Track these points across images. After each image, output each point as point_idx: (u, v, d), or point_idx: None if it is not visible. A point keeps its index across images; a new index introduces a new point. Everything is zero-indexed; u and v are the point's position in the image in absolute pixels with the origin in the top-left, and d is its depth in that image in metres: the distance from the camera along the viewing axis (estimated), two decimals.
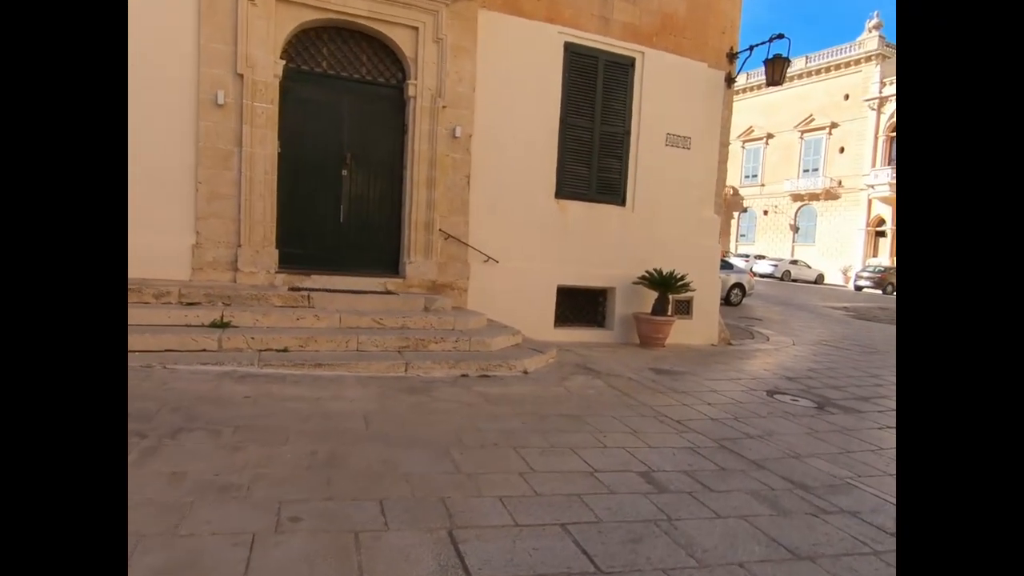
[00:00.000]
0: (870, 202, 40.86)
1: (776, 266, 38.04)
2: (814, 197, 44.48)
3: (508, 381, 6.44)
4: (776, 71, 10.14)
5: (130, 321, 5.75)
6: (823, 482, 4.36)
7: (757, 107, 46.49)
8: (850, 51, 42.73)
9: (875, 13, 42.51)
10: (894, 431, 5.87)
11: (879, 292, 34.01)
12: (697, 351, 9.79)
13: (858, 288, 35.79)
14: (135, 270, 6.05)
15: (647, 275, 9.64)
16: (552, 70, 9.17)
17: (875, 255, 40.97)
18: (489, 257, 8.78)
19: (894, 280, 33.79)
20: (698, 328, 10.57)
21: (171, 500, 3.05)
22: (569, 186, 9.50)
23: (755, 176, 48.77)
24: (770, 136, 47.31)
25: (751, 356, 10.05)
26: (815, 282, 38.89)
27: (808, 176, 44.78)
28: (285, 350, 6.21)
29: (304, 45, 7.95)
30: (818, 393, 7.42)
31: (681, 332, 10.10)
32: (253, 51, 7.31)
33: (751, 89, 45.28)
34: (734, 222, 49.77)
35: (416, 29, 8.15)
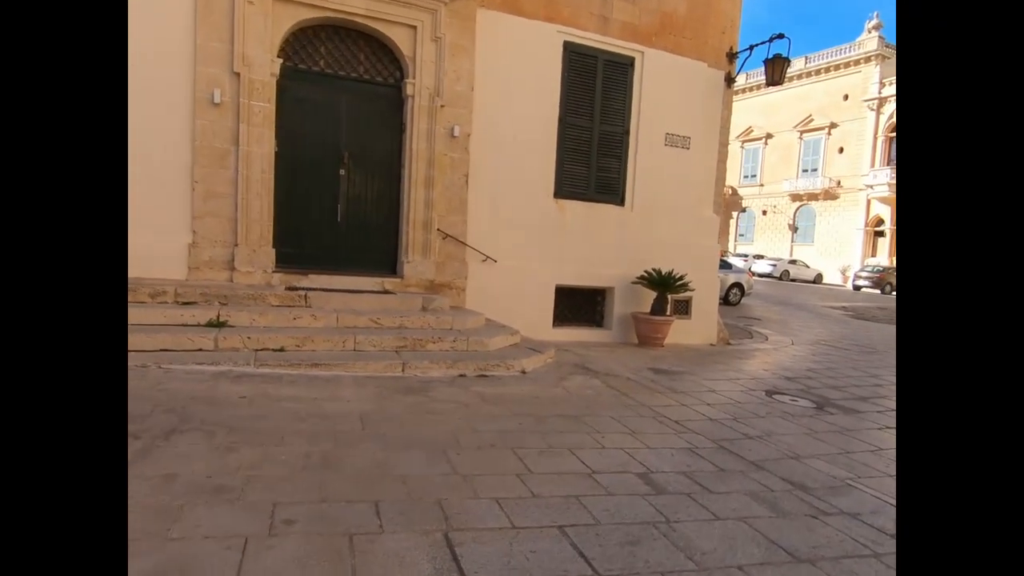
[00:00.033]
0: (869, 202, 40.91)
1: (775, 266, 38.12)
2: (813, 197, 44.52)
3: (506, 381, 6.40)
4: (776, 71, 10.11)
5: None
6: (823, 483, 4.32)
7: (756, 107, 46.52)
8: (850, 52, 42.77)
9: (875, 14, 42.55)
10: (894, 431, 5.84)
11: (877, 292, 34.02)
12: (696, 351, 9.76)
13: (856, 288, 35.80)
14: (131, 269, 6.00)
15: (646, 275, 9.61)
16: (551, 69, 9.14)
17: (873, 255, 41.00)
18: (487, 256, 8.74)
19: (892, 280, 33.87)
20: (697, 328, 10.54)
21: (162, 503, 3.01)
22: (568, 185, 9.47)
23: (754, 176, 48.79)
24: (769, 136, 47.33)
25: (750, 356, 10.02)
26: (813, 282, 38.95)
27: (807, 176, 44.81)
28: (282, 350, 6.17)
29: (301, 44, 7.90)
30: (817, 393, 7.38)
31: (680, 332, 10.07)
32: (250, 50, 7.27)
33: (750, 89, 45.31)
34: (733, 222, 49.77)
35: (414, 28, 8.12)
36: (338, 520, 3.02)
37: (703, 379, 7.55)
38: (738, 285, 19.73)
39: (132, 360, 5.35)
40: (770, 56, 10.04)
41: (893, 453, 5.13)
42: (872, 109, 40.97)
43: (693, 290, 10.01)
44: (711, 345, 10.56)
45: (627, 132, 9.79)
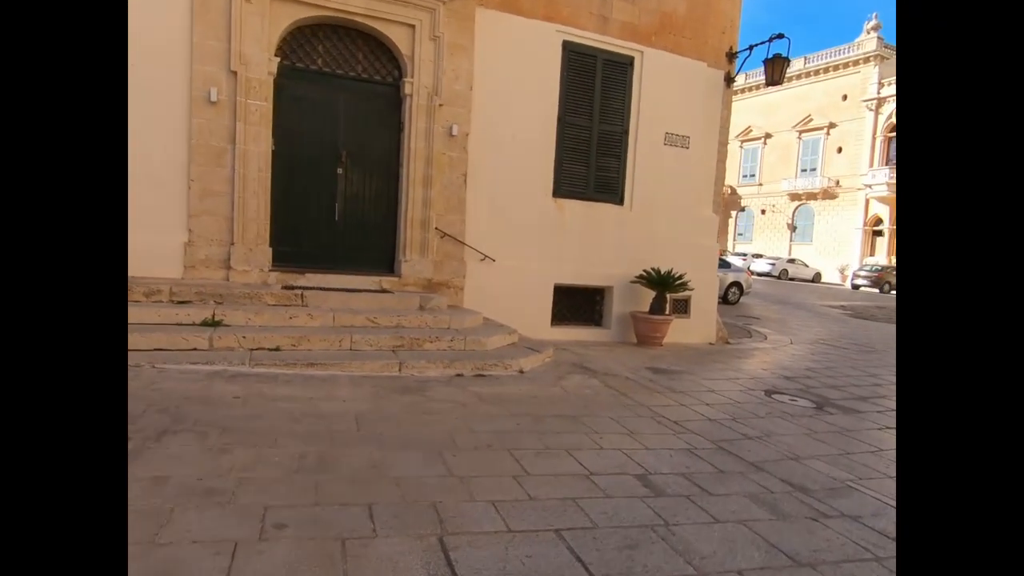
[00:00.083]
0: (867, 202, 40.95)
1: (773, 265, 38.19)
2: (812, 196, 44.53)
3: (504, 381, 6.36)
4: (776, 71, 10.07)
5: None
6: (823, 485, 4.28)
7: (755, 107, 46.54)
8: (848, 52, 42.78)
9: (874, 15, 42.59)
10: (894, 432, 5.80)
11: (876, 291, 34.02)
12: (695, 350, 9.72)
13: (855, 287, 35.83)
14: None
15: (645, 274, 9.57)
16: (550, 69, 9.09)
17: (872, 254, 41.02)
18: (486, 256, 8.70)
19: (891, 279, 33.89)
20: (696, 327, 10.50)
21: (152, 506, 2.95)
22: (567, 185, 9.43)
23: (753, 176, 48.80)
24: (768, 136, 47.34)
25: (749, 355, 9.98)
26: (812, 281, 39.00)
27: (806, 176, 44.83)
28: (277, 349, 6.12)
29: (299, 42, 7.86)
30: (816, 393, 7.34)
31: (679, 331, 10.03)
32: (247, 48, 7.22)
33: (749, 89, 45.32)
34: (732, 221, 49.78)
35: (413, 27, 8.07)
36: (331, 524, 2.97)
37: (702, 379, 7.51)
38: (737, 284, 19.69)
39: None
40: (770, 56, 10.00)
41: (893, 454, 5.09)
42: (871, 109, 40.98)
43: (692, 289, 9.97)
44: (710, 344, 10.51)
45: (626, 131, 9.75)
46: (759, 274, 33.96)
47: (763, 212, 48.28)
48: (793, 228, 46.00)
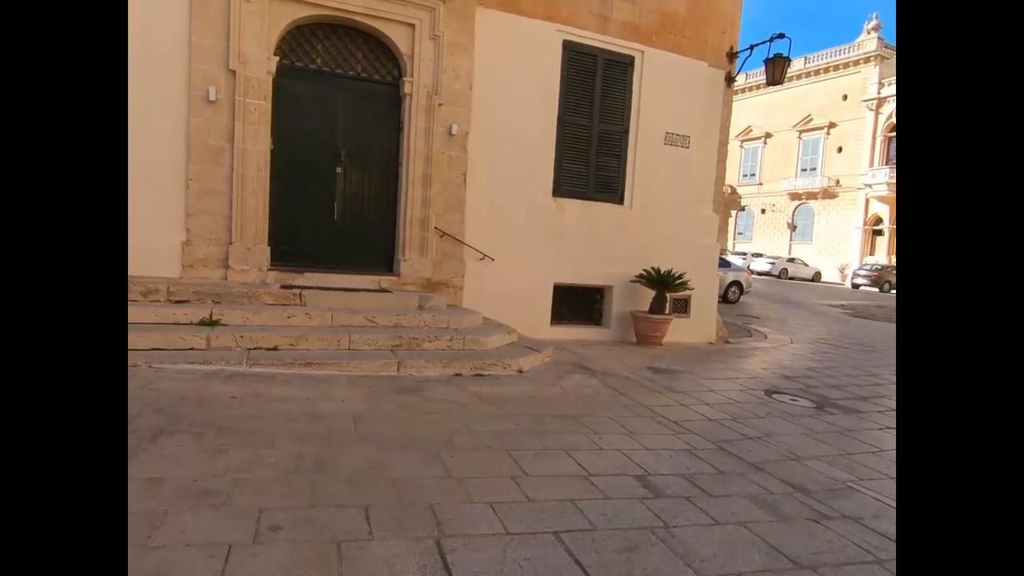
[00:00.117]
0: (867, 201, 40.96)
1: (773, 264, 38.24)
2: (812, 196, 44.53)
3: (503, 380, 6.33)
4: (776, 70, 10.04)
5: None
6: (823, 486, 4.25)
7: (755, 107, 46.53)
8: (849, 52, 42.79)
9: (874, 15, 42.61)
10: (895, 432, 5.77)
11: (876, 290, 34.03)
12: (695, 349, 9.69)
13: (855, 286, 35.82)
14: None
15: (645, 273, 9.54)
16: (550, 68, 9.06)
17: (872, 253, 41.01)
18: (485, 255, 8.67)
19: (891, 278, 33.89)
20: (696, 326, 10.47)
21: (145, 508, 2.91)
22: (567, 184, 9.40)
23: (753, 175, 48.80)
24: (768, 136, 47.34)
25: (749, 354, 9.95)
26: (812, 280, 39.02)
27: (806, 175, 44.84)
28: (275, 349, 6.09)
29: (298, 42, 7.83)
30: (817, 392, 7.31)
31: (679, 330, 10.00)
32: (246, 47, 7.19)
33: (749, 89, 45.32)
34: (732, 220, 49.77)
35: (412, 26, 8.05)
36: (327, 526, 2.93)
37: (702, 378, 7.48)
38: (737, 283, 19.66)
39: None
40: (771, 56, 9.98)
41: (894, 454, 5.05)
42: (871, 109, 40.99)
43: (692, 289, 9.94)
44: (710, 344, 10.48)
45: (627, 131, 9.72)
46: (759, 273, 33.95)
47: (763, 211, 48.27)
48: (793, 227, 45.99)
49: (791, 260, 40.17)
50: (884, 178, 39.10)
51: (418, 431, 4.51)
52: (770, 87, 10.97)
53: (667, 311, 9.71)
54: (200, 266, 7.22)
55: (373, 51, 8.19)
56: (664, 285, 9.52)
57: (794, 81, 43.00)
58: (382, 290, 7.89)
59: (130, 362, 5.29)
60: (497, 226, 8.79)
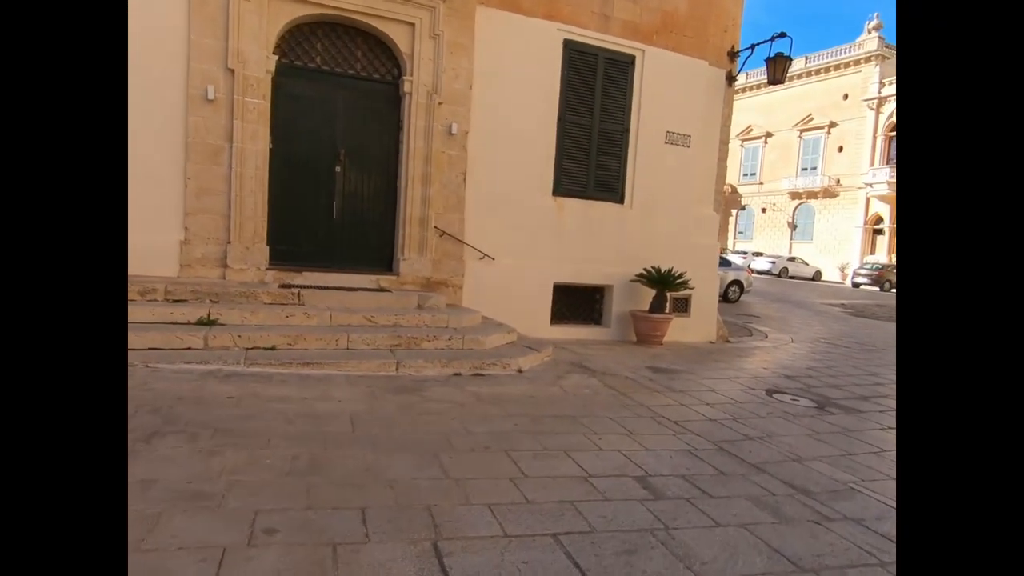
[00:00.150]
0: (868, 200, 40.96)
1: (774, 263, 38.27)
2: (812, 195, 44.52)
3: (502, 380, 6.29)
4: (778, 69, 10.01)
5: None
6: (825, 487, 4.21)
7: (756, 106, 46.51)
8: (850, 52, 42.77)
9: (875, 15, 42.53)
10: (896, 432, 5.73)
11: (876, 289, 34.06)
12: (695, 349, 9.65)
13: (855, 285, 35.85)
14: None
15: (645, 272, 9.51)
16: (551, 67, 9.02)
17: (872, 252, 40.99)
18: (485, 254, 8.63)
19: (891, 277, 33.87)
20: (696, 326, 10.43)
21: (137, 511, 2.86)
22: (567, 183, 9.35)
23: (754, 174, 48.78)
24: (769, 135, 47.32)
25: (749, 354, 9.91)
26: (812, 279, 39.03)
27: (806, 174, 44.83)
28: (273, 348, 6.06)
29: (298, 40, 7.80)
30: (818, 392, 7.27)
31: (679, 330, 9.97)
32: (244, 46, 7.16)
33: (750, 89, 45.32)
34: (732, 219, 49.74)
35: (412, 25, 8.01)
36: (322, 529, 2.89)
37: (702, 378, 7.44)
38: (737, 282, 19.63)
39: None
40: (772, 55, 9.94)
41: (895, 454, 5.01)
42: (872, 108, 40.97)
43: (692, 288, 9.91)
44: (710, 343, 10.45)
45: (627, 130, 9.67)
46: (759, 272, 33.92)
47: (763, 210, 48.25)
48: (793, 226, 45.97)
49: (791, 259, 40.21)
50: (885, 177, 39.09)
51: (416, 431, 4.47)
52: (771, 86, 10.94)
53: (667, 310, 9.68)
54: (198, 265, 7.18)
55: (373, 50, 8.16)
56: (664, 284, 9.48)
57: (795, 80, 42.97)
58: (381, 289, 7.86)
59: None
60: (497, 225, 8.75)
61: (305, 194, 7.90)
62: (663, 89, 9.72)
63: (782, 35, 9.78)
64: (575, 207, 9.38)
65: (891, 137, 39.85)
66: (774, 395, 6.92)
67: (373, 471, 3.67)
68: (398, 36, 8.01)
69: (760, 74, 40.26)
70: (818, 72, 44.20)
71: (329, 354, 6.15)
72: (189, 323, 6.10)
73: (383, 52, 8.18)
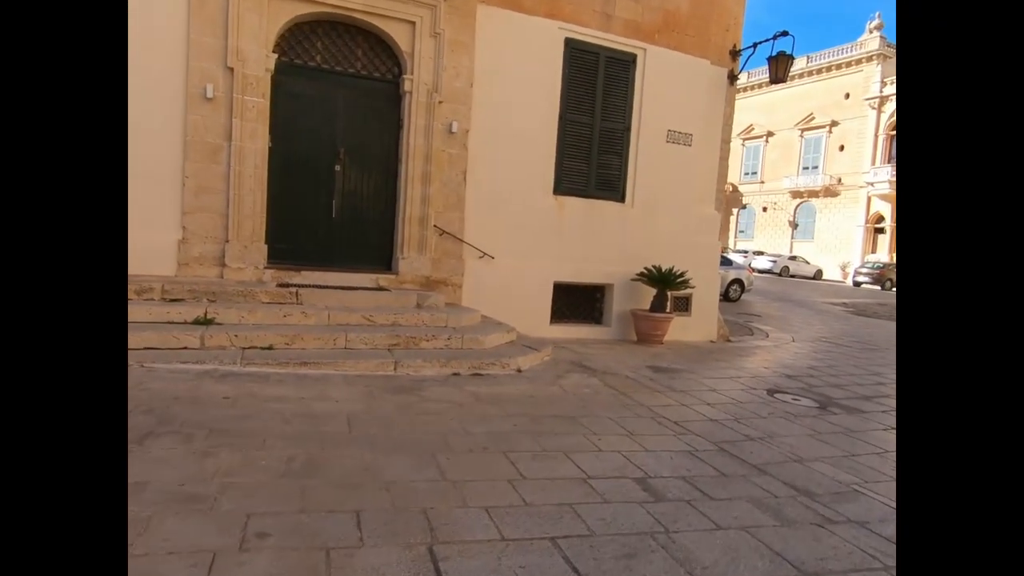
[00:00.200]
0: (869, 199, 40.92)
1: (775, 262, 38.24)
2: (813, 194, 44.47)
3: (501, 380, 6.24)
4: (780, 68, 9.94)
5: None
6: (828, 488, 4.16)
7: (757, 106, 46.48)
8: (851, 51, 42.71)
9: (877, 14, 42.42)
10: None
11: (878, 288, 34.00)
12: (696, 348, 9.60)
13: (857, 284, 35.78)
14: None
15: (646, 271, 9.46)
16: (552, 66, 8.97)
17: (873, 251, 40.93)
18: (484, 253, 8.59)
19: (893, 276, 33.80)
20: (697, 325, 10.38)
21: (128, 514, 2.78)
22: (568, 182, 9.30)
23: (755, 173, 48.73)
24: (770, 134, 47.29)
25: (750, 353, 9.86)
26: (813, 278, 38.96)
27: (808, 173, 44.77)
28: (270, 348, 6.01)
29: (298, 39, 7.76)
30: (819, 392, 7.22)
31: (679, 329, 9.92)
32: (244, 45, 7.12)
33: (751, 88, 45.31)
34: (733, 218, 49.67)
35: (413, 23, 7.97)
36: (316, 532, 2.84)
37: (703, 377, 7.39)
38: (738, 281, 19.56)
39: None
40: (774, 53, 9.87)
41: None
42: (873, 107, 40.92)
43: (693, 287, 9.86)
44: (711, 342, 10.40)
45: (628, 129, 9.62)
46: (760, 271, 33.86)
47: (764, 209, 48.19)
48: (794, 225, 45.92)
49: (792, 258, 40.17)
50: (886, 176, 39.02)
51: (414, 432, 4.43)
52: (772, 85, 10.89)
53: (668, 309, 9.62)
54: (196, 264, 7.14)
55: (373, 48, 8.11)
56: (665, 283, 9.43)
57: (796, 80, 42.91)
58: (380, 288, 7.81)
59: None
60: (497, 224, 8.70)
61: (304, 193, 7.86)
62: (665, 88, 9.67)
63: (784, 34, 9.72)
64: (576, 206, 9.33)
65: (892, 136, 39.79)
66: (775, 395, 6.87)
67: (369, 472, 3.62)
68: (399, 34, 7.96)
69: (761, 73, 40.20)
70: (820, 71, 44.14)
71: (327, 353, 6.10)
72: (186, 322, 6.05)
73: (383, 51, 8.13)
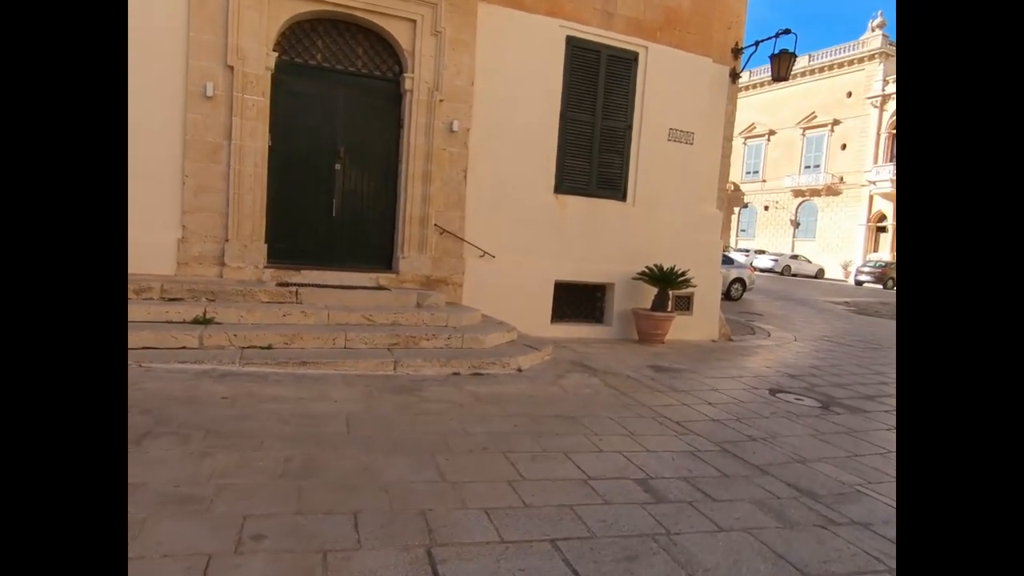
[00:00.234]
0: (871, 198, 40.83)
1: (776, 261, 38.22)
2: (815, 193, 44.39)
3: (501, 379, 6.21)
4: (782, 66, 9.89)
5: None
6: (831, 489, 4.12)
7: (759, 104, 46.39)
8: (853, 50, 42.61)
9: (879, 12, 42.39)
10: None
11: (880, 287, 33.95)
12: (697, 347, 9.56)
13: (858, 283, 35.72)
14: None
15: (647, 271, 9.42)
16: (553, 64, 8.94)
17: (875, 250, 40.87)
18: (485, 252, 8.55)
19: (895, 275, 33.70)
20: (698, 324, 10.34)
21: None
22: (569, 181, 9.27)
23: (756, 172, 48.67)
24: (772, 133, 47.20)
25: (752, 352, 9.82)
26: (815, 277, 38.92)
27: (809, 172, 44.70)
28: (269, 348, 5.98)
29: (298, 37, 7.73)
30: (822, 391, 7.18)
31: (681, 328, 9.87)
32: (244, 43, 7.09)
33: (753, 86, 45.24)
34: (735, 217, 49.55)
35: (414, 22, 7.94)
36: (313, 534, 2.81)
37: (705, 377, 7.35)
38: (740, 280, 19.52)
39: None
40: (776, 52, 9.82)
41: None
42: (875, 106, 40.83)
43: (695, 286, 9.81)
44: (713, 341, 10.35)
45: (630, 127, 9.58)
46: (762, 270, 33.83)
47: (766, 208, 48.13)
48: (796, 224, 45.84)
49: (794, 257, 40.13)
50: (888, 175, 38.94)
51: (413, 433, 4.39)
52: (774, 84, 10.87)
53: (669, 308, 9.58)
54: (195, 263, 7.11)
55: (374, 47, 8.08)
56: (667, 282, 9.39)
57: (798, 78, 42.79)
58: (380, 288, 7.78)
59: None
60: (498, 223, 8.67)
61: (304, 192, 7.83)
62: (666, 86, 9.62)
63: (787, 32, 9.66)
64: (577, 204, 9.30)
65: (895, 135, 39.69)
66: (777, 395, 6.83)
67: (368, 474, 3.59)
68: (399, 33, 7.93)
69: (763, 72, 40.24)
70: (822, 70, 44.05)
71: (326, 353, 6.07)
72: (184, 322, 6.02)
73: (384, 49, 8.10)
